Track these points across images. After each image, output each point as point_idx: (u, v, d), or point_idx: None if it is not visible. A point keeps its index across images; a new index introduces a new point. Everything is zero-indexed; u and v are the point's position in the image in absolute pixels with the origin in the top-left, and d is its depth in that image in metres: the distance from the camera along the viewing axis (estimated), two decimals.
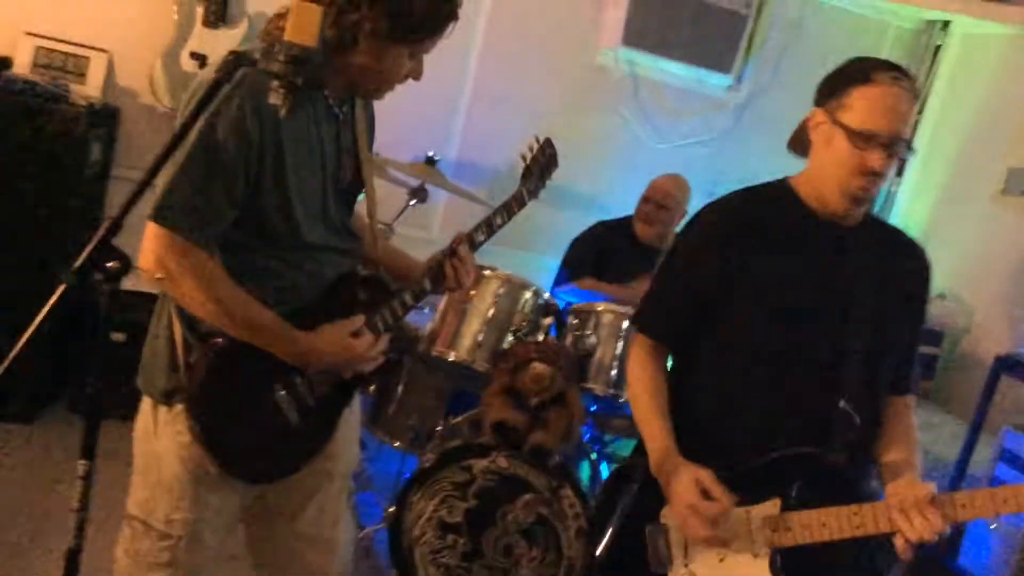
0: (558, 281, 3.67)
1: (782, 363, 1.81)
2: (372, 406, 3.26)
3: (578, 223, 3.93)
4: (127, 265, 1.40)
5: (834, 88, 1.80)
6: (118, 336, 3.66)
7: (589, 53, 4.30)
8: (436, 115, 4.10)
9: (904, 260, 1.93)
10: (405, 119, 4.07)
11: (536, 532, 2.67)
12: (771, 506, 1.74)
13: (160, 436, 1.75)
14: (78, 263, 1.38)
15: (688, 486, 1.72)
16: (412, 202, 3.29)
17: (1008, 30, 4.07)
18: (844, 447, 1.77)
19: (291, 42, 1.42)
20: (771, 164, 4.46)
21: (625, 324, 2.95)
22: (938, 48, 4.55)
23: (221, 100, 1.58)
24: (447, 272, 1.96)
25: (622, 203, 3.97)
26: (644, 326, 1.99)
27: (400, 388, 3.24)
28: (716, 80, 4.42)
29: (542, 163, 2.15)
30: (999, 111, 4.16)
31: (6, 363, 1.31)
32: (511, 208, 2.07)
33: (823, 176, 1.83)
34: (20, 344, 1.31)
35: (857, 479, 1.88)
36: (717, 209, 1.94)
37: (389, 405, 3.26)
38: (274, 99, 1.42)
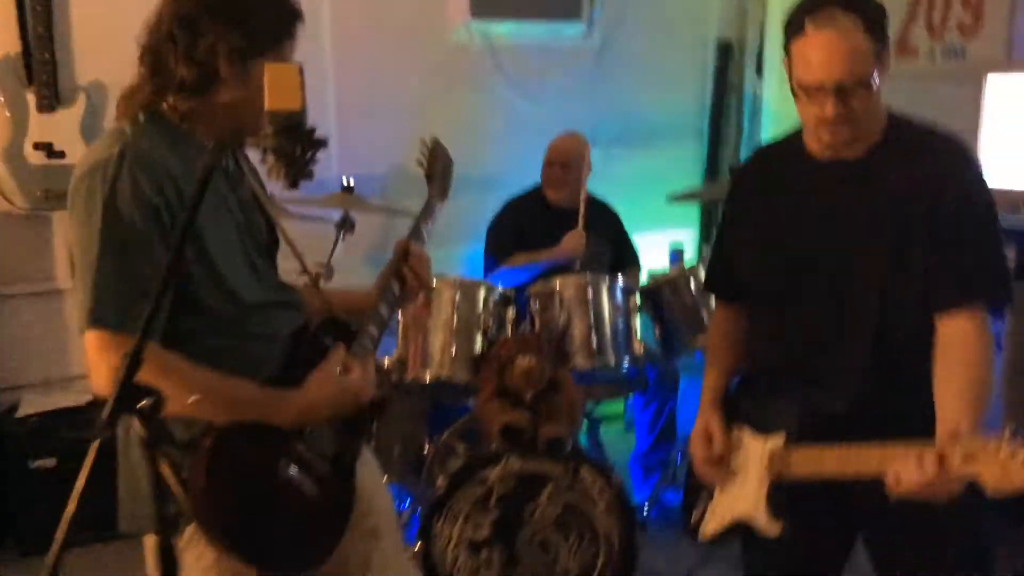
0: (487, 270, 3.61)
1: (783, 308, 1.84)
2: None
3: (485, 205, 3.86)
4: (157, 397, 1.27)
5: (785, 41, 1.73)
6: (46, 462, 3.39)
7: (442, 33, 4.20)
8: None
9: (922, 169, 1.70)
10: None
11: (567, 520, 2.64)
12: (778, 439, 1.80)
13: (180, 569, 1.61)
14: (106, 413, 1.24)
15: (697, 432, 1.93)
16: (342, 236, 3.15)
17: None
18: (842, 394, 1.75)
19: (274, 111, 1.31)
20: (642, 96, 4.68)
21: (590, 290, 2.93)
22: None
23: (110, 181, 1.48)
24: (406, 276, 1.89)
25: (520, 173, 3.91)
26: (708, 286, 2.16)
27: (373, 424, 3.12)
28: (570, 30, 4.41)
29: (440, 165, 2.12)
30: None
31: None
32: (429, 213, 2.03)
33: (803, 124, 1.80)
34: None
35: (869, 424, 1.69)
36: (737, 166, 2.06)
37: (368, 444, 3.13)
38: (274, 175, 1.31)
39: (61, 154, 3.45)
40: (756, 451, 1.84)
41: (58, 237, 3.63)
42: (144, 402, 1.26)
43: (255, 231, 1.72)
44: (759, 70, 4.68)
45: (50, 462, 3.35)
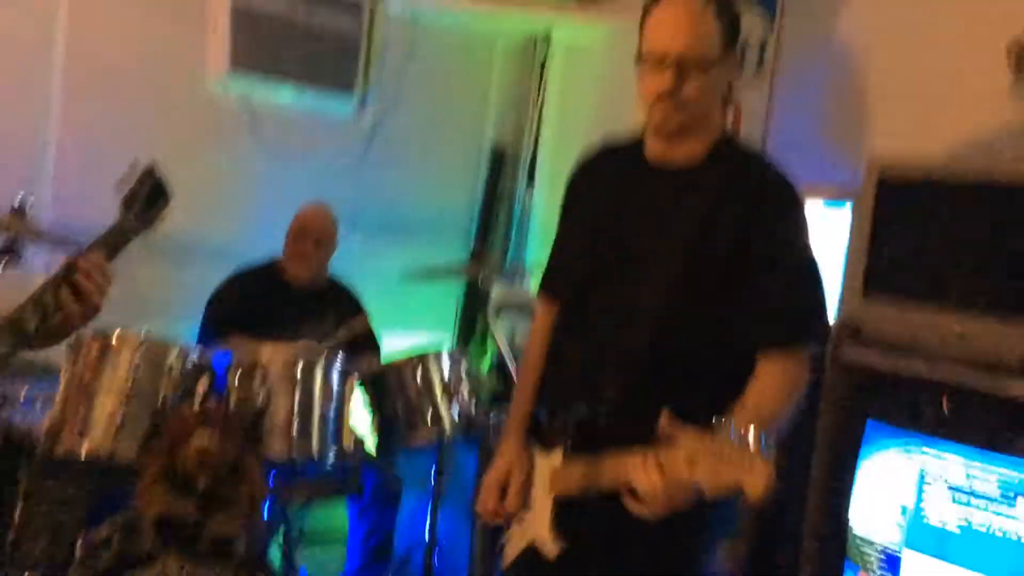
0: (203, 343, 3.15)
1: (582, 305, 1.82)
2: None
3: (212, 278, 3.45)
4: None
5: (641, 21, 1.74)
6: None
7: (198, 83, 3.82)
8: (12, 168, 3.37)
9: (746, 189, 1.70)
10: None
11: None
12: (557, 454, 1.77)
13: None
14: None
15: (492, 478, 1.88)
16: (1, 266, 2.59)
17: (603, 32, 4.25)
18: (608, 407, 1.72)
19: None
20: (410, 187, 4.49)
21: (299, 369, 2.55)
22: (542, 62, 4.67)
23: None
24: (79, 283, 1.46)
25: (258, 247, 3.55)
26: (539, 286, 2.02)
27: (18, 509, 2.53)
28: (339, 104, 4.16)
29: (148, 189, 1.71)
30: (609, 119, 4.32)
31: None
32: (114, 241, 1.60)
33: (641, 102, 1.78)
34: None
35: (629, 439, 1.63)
36: (576, 161, 1.99)
37: (6, 534, 2.53)
38: None
39: None
40: (542, 469, 1.82)
41: None
42: None
43: None
44: (531, 179, 4.62)
45: None
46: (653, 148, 1.80)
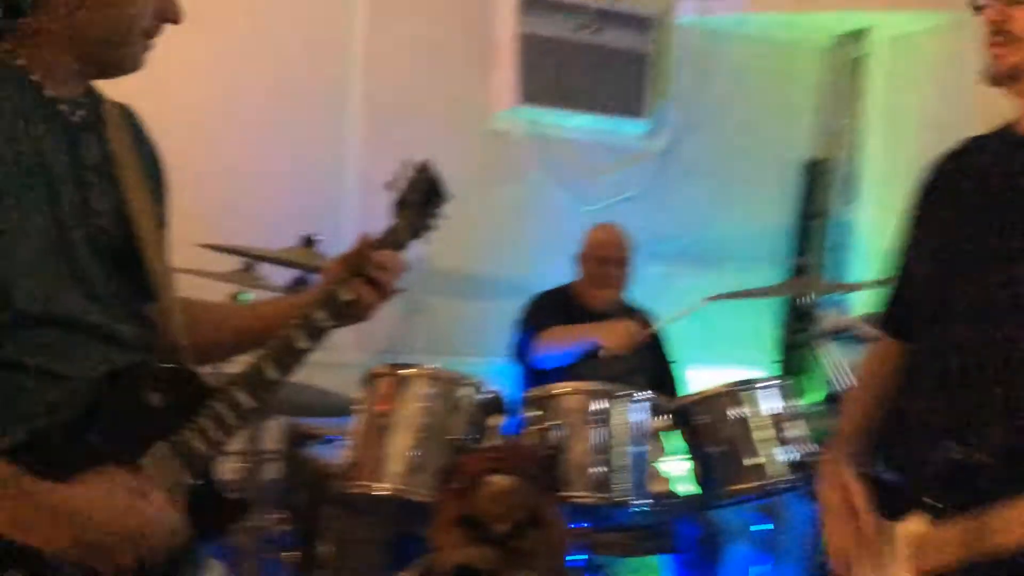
0: (521, 353, 3.07)
1: (932, 327, 1.52)
2: None
3: (506, 313, 3.30)
4: None
5: None
6: None
7: (483, 119, 3.78)
8: (314, 205, 3.47)
9: None
10: (276, 208, 3.41)
11: None
12: (917, 521, 1.42)
13: None
14: None
15: (834, 501, 1.53)
16: None
17: (939, 19, 3.69)
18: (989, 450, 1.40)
19: None
20: (714, 209, 4.14)
21: (593, 406, 2.27)
22: (857, 60, 4.17)
23: None
24: (372, 275, 1.31)
25: (552, 281, 3.39)
26: (881, 321, 1.70)
27: (328, 550, 2.48)
28: (630, 128, 3.94)
29: (422, 194, 1.50)
30: (949, 112, 3.72)
31: None
32: (390, 244, 1.41)
33: None
34: None
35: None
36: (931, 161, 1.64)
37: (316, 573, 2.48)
38: None
39: None
40: (898, 542, 1.46)
41: None
42: None
43: (90, 215, 1.16)
44: (849, 191, 4.09)
45: None
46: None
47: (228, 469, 2.51)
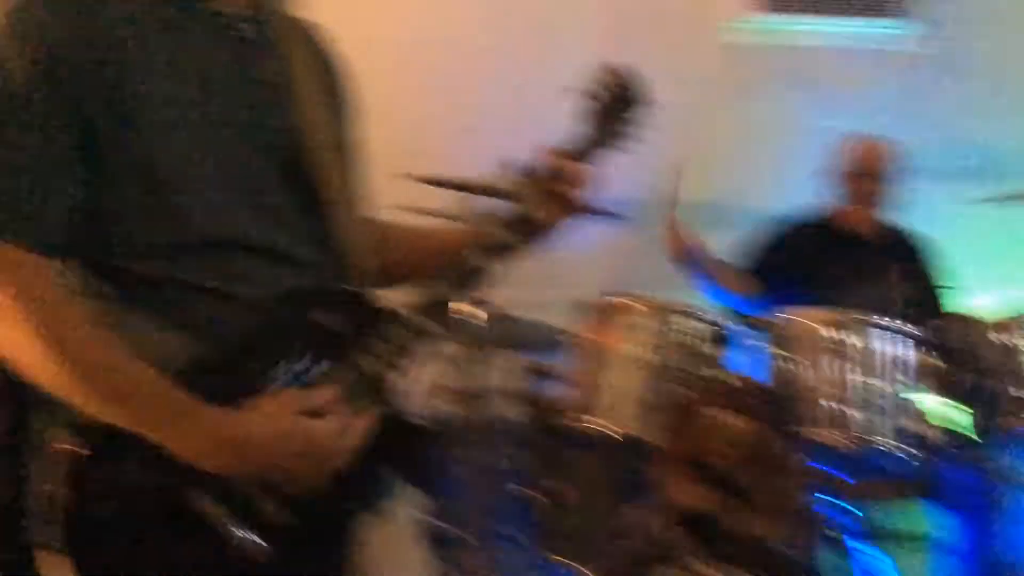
0: (771, 285, 2.90)
1: None
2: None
3: (741, 243, 3.11)
4: None
5: None
6: None
7: (708, 32, 3.53)
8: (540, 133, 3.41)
9: None
10: (503, 136, 3.48)
11: None
12: None
13: None
14: None
15: None
16: None
17: None
18: None
19: None
20: (984, 123, 3.64)
21: (833, 335, 2.05)
22: None
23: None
24: (558, 190, 1.22)
25: (799, 207, 3.13)
26: None
27: (559, 486, 2.46)
28: (892, 31, 3.54)
29: (623, 105, 1.34)
30: None
31: None
32: (581, 155, 1.29)
33: None
34: None
35: None
36: None
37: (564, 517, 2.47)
38: None
39: None
40: None
41: None
42: None
43: (264, 133, 1.14)
44: None
45: None
46: None
47: (452, 405, 2.55)
